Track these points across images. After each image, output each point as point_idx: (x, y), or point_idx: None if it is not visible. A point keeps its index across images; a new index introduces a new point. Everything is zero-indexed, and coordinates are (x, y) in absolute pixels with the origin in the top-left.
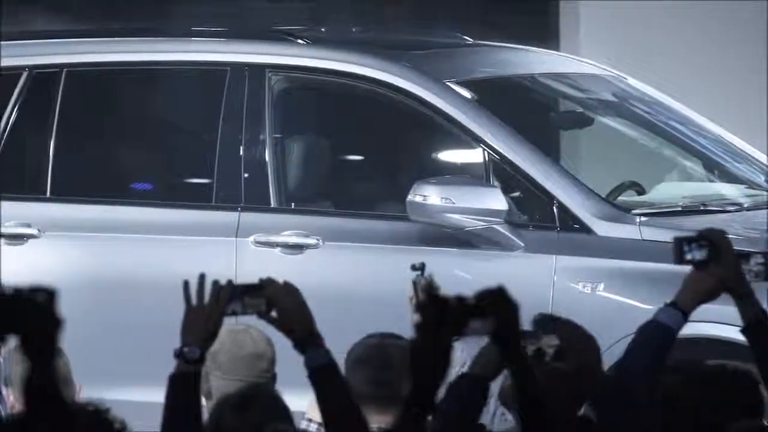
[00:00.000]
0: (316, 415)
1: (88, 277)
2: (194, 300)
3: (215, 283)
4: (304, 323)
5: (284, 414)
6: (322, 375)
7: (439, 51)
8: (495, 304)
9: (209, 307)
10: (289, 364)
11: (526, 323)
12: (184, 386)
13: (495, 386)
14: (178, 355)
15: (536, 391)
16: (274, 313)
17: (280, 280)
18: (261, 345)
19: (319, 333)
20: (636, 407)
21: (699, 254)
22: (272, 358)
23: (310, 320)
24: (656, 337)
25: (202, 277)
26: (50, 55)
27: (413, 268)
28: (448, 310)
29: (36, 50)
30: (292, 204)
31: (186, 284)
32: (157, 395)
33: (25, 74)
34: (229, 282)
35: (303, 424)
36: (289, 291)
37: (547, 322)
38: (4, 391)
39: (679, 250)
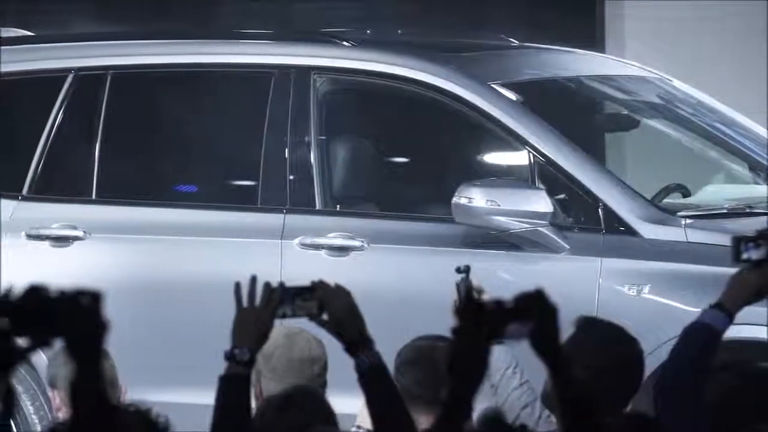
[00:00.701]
0: (366, 422)
1: (133, 279)
2: (245, 302)
3: (267, 285)
4: (355, 326)
5: (329, 418)
6: (373, 378)
7: (485, 53)
8: (533, 308)
9: (260, 310)
10: (339, 367)
11: (569, 325)
12: (233, 387)
13: (540, 389)
14: (229, 356)
15: (576, 393)
16: (325, 316)
17: (332, 282)
18: (315, 349)
19: (369, 336)
20: (682, 408)
21: (756, 253)
22: (325, 362)
23: (361, 323)
24: (701, 338)
25: (253, 279)
26: (96, 57)
27: (458, 270)
28: (486, 313)
29: (81, 52)
30: (338, 206)
31: (237, 286)
32: (202, 397)
33: (70, 77)
34: (281, 284)
35: (352, 431)
36: (341, 294)
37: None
38: (50, 394)
39: (736, 249)
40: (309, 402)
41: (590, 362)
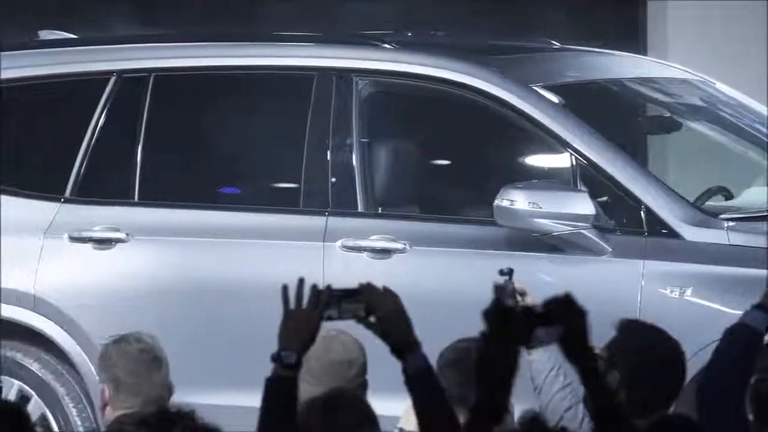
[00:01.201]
0: (409, 424)
1: (175, 281)
2: (293, 304)
3: (314, 287)
4: (402, 329)
5: (371, 420)
6: (420, 380)
7: (526, 55)
8: (562, 312)
9: (307, 312)
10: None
11: (611, 328)
12: (280, 390)
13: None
14: (276, 358)
15: (607, 397)
16: (372, 319)
17: (379, 285)
18: (352, 351)
19: (416, 339)
20: (724, 409)
21: None
22: (363, 364)
23: (408, 326)
24: (743, 340)
25: (300, 282)
26: (138, 59)
27: (501, 273)
28: (515, 318)
29: (124, 55)
30: (379, 208)
31: (285, 288)
32: (244, 400)
33: (113, 79)
34: (328, 287)
35: None
36: (388, 296)
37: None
38: (100, 387)
39: None
40: (348, 404)
41: (632, 365)
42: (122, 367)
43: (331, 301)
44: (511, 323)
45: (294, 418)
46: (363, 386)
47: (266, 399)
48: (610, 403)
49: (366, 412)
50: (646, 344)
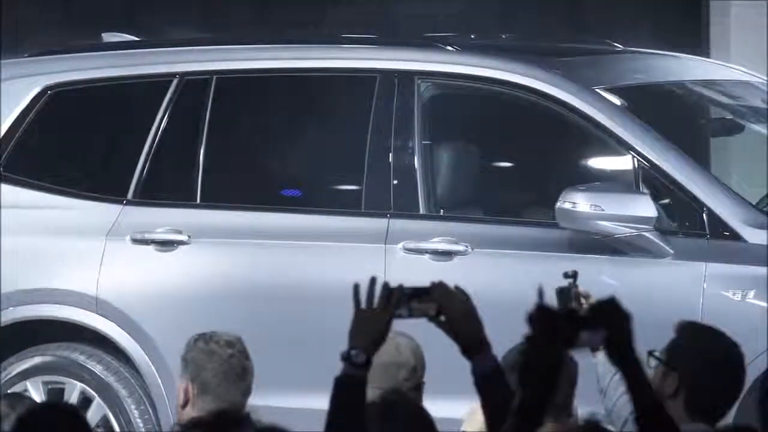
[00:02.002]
0: (471, 427)
1: (237, 283)
2: (363, 303)
3: (385, 286)
4: (472, 329)
5: (425, 423)
6: (490, 381)
7: (589, 57)
8: (607, 316)
9: (378, 311)
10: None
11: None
12: (348, 389)
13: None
14: (345, 358)
15: (652, 401)
16: (442, 318)
17: (451, 285)
18: (403, 353)
19: (487, 339)
20: None
21: None
22: (414, 367)
23: (479, 326)
24: None
25: (372, 281)
26: (201, 62)
27: (566, 276)
28: (560, 322)
29: (186, 57)
30: (441, 210)
31: (356, 287)
32: (306, 401)
33: (175, 81)
34: (399, 285)
35: None
36: (459, 296)
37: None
38: (178, 382)
39: None
40: (404, 408)
41: (691, 367)
42: (211, 370)
43: (401, 300)
44: (555, 326)
45: (362, 418)
46: (416, 389)
47: (335, 398)
48: (654, 409)
49: (420, 415)
50: (705, 347)
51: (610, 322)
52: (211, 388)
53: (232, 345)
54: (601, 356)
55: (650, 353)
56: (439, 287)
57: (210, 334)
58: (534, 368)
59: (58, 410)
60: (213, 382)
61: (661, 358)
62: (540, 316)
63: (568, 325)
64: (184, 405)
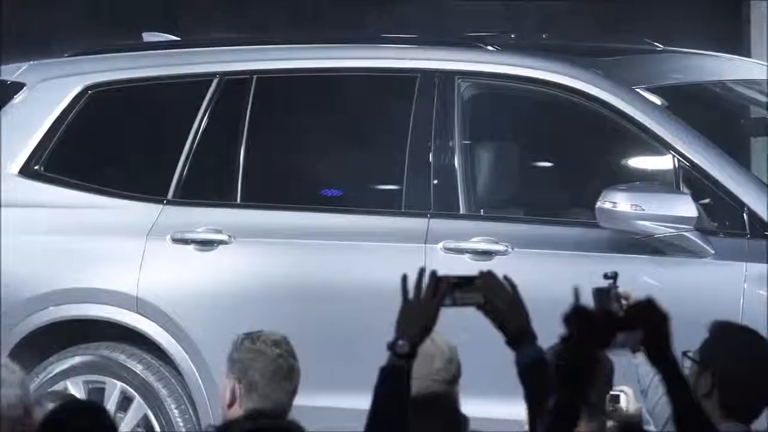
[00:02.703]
0: None
1: (277, 283)
2: (411, 294)
3: (432, 275)
4: (518, 319)
5: (454, 419)
6: (534, 372)
7: (629, 57)
8: (645, 317)
9: (425, 301)
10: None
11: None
12: (393, 379)
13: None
14: (391, 347)
15: (690, 402)
16: (489, 307)
17: (500, 274)
18: (438, 344)
19: (532, 330)
20: None
21: None
22: (450, 358)
23: (525, 317)
24: None
25: (421, 271)
26: (241, 62)
27: (606, 276)
28: (598, 322)
29: (226, 57)
30: (481, 210)
31: (404, 278)
32: (348, 401)
33: (215, 81)
34: (446, 275)
35: None
36: (506, 286)
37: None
38: (223, 381)
39: None
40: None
41: (724, 367)
42: (259, 370)
43: (448, 290)
44: (592, 327)
45: (406, 408)
46: (451, 383)
47: (379, 387)
48: (693, 410)
49: (448, 410)
50: (738, 346)
51: (647, 323)
52: (258, 387)
53: (280, 344)
54: (641, 357)
55: (684, 353)
56: (485, 277)
57: (257, 334)
58: (571, 368)
59: (84, 409)
60: (261, 382)
61: (695, 358)
62: (577, 316)
63: (606, 325)
64: (231, 404)
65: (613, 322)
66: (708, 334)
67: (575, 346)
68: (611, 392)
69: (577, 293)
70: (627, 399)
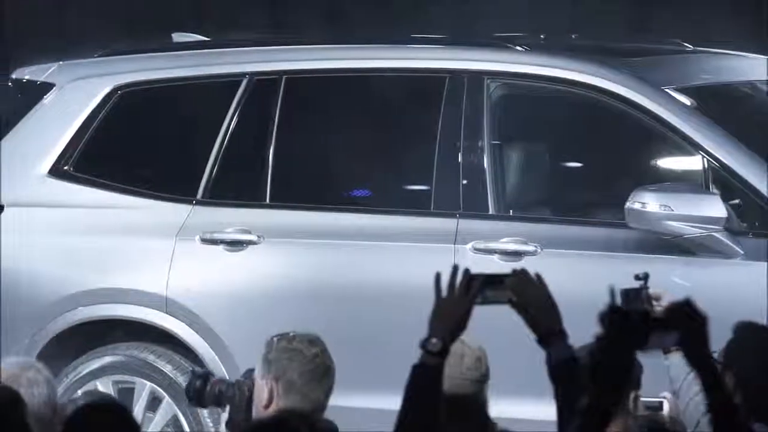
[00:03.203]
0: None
1: (306, 283)
2: (444, 292)
3: (465, 272)
4: (548, 318)
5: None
6: (565, 371)
7: (659, 57)
8: (684, 318)
9: (458, 299)
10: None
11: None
12: (423, 377)
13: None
14: (423, 345)
15: (726, 402)
16: (520, 305)
17: (533, 272)
18: (468, 344)
19: (563, 328)
20: None
21: None
22: (479, 357)
23: (555, 315)
24: None
25: (454, 269)
26: (270, 62)
27: (637, 277)
28: (634, 323)
29: (256, 57)
30: (510, 211)
31: (437, 276)
32: (376, 401)
33: (245, 81)
34: (478, 273)
35: None
36: (536, 284)
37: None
38: (258, 382)
39: None
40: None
41: (746, 367)
42: (297, 369)
43: (481, 288)
44: (628, 327)
45: (437, 406)
46: (479, 382)
47: (410, 385)
48: (729, 410)
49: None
50: (760, 346)
51: (686, 324)
52: (296, 387)
53: (315, 344)
54: (673, 358)
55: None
56: (517, 275)
57: (291, 334)
58: (605, 369)
59: (106, 407)
60: (299, 382)
61: (719, 358)
62: (613, 316)
63: (642, 326)
64: (268, 405)
65: (650, 323)
66: (732, 334)
67: (611, 345)
68: (654, 399)
69: (612, 293)
70: (669, 405)
